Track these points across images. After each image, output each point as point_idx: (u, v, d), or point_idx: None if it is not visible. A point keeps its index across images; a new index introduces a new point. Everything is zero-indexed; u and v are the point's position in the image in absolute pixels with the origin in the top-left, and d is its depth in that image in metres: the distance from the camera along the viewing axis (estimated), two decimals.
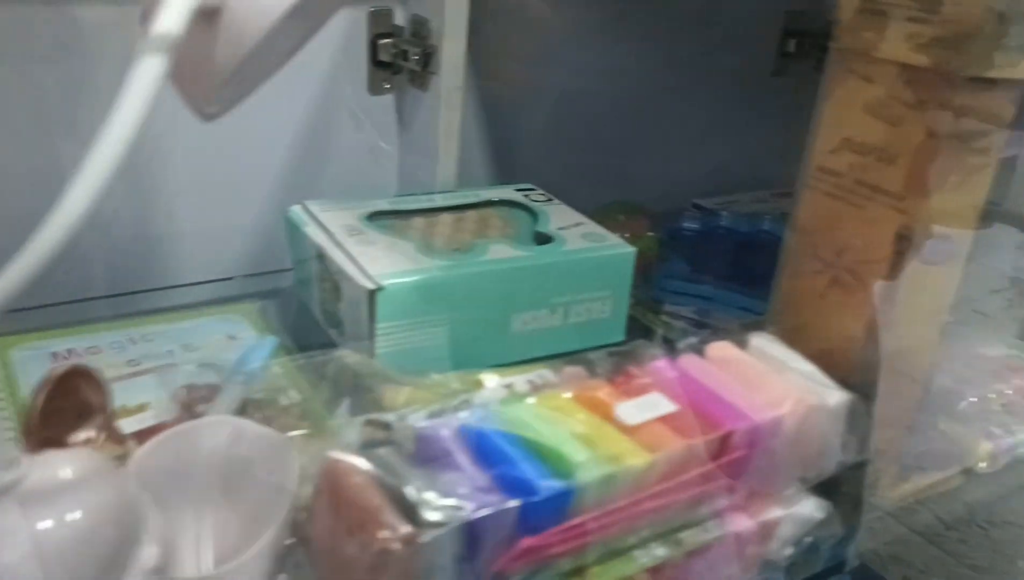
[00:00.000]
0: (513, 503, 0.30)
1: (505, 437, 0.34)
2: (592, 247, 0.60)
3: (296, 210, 0.61)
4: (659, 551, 0.37)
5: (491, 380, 0.41)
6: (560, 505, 0.32)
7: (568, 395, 0.37)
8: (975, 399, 0.52)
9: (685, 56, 0.84)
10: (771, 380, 0.40)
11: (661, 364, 0.41)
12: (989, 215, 0.83)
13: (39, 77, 0.54)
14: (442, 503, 0.30)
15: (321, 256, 0.56)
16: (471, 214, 0.65)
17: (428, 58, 0.65)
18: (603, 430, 0.35)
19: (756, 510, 0.40)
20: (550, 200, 0.67)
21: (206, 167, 0.62)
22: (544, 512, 0.31)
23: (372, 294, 0.51)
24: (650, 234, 0.73)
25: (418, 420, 0.35)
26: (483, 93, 0.74)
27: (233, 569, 0.29)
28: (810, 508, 0.42)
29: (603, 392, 0.38)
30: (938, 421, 0.52)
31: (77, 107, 0.55)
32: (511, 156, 0.78)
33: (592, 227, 0.63)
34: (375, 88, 0.69)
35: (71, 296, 0.56)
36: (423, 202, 0.64)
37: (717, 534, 0.39)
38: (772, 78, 0.93)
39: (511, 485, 0.31)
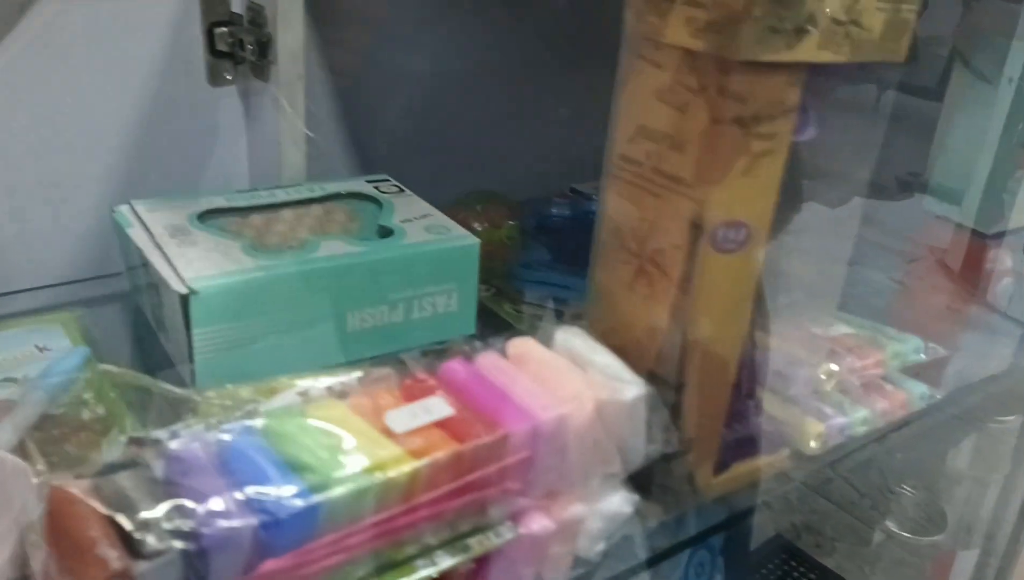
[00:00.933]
0: (246, 524, 0.29)
1: (261, 452, 0.32)
2: (433, 240, 0.58)
3: (122, 210, 0.58)
4: (444, 560, 0.36)
5: (285, 387, 0.40)
6: (306, 524, 0.30)
7: (345, 403, 0.36)
8: (806, 380, 0.52)
9: (555, 34, 0.83)
10: (565, 376, 0.39)
11: (454, 364, 0.39)
12: (909, 186, 0.83)
13: None
14: (167, 529, 0.28)
15: (145, 260, 0.54)
16: (315, 209, 0.62)
17: (265, 47, 0.63)
18: (370, 439, 0.34)
19: (557, 509, 0.39)
20: (401, 191, 0.65)
21: (18, 167, 0.59)
22: (288, 532, 0.30)
23: (185, 298, 0.49)
24: (511, 223, 0.72)
25: (190, 436, 0.34)
26: (335, 82, 0.72)
27: None
28: (617, 503, 0.42)
29: (383, 398, 0.36)
30: (766, 404, 0.52)
31: None
32: (371, 147, 0.76)
33: (438, 219, 0.61)
34: (216, 79, 0.66)
35: None
36: (264, 198, 0.62)
37: (509, 537, 0.38)
38: None
39: (254, 505, 0.30)
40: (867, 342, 0.57)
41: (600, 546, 0.42)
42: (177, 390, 0.38)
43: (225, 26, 0.65)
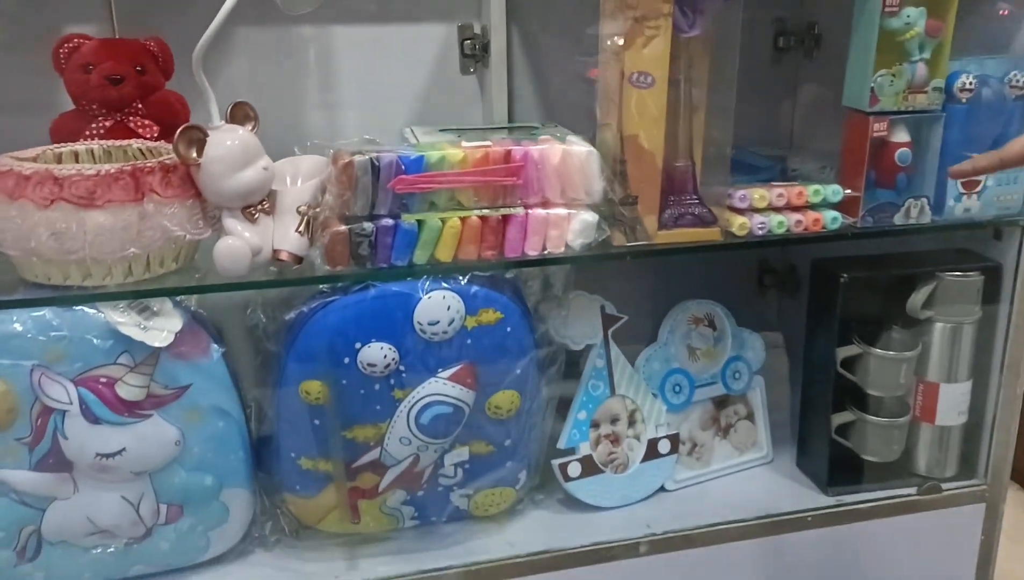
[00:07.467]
0: (395, 158, 0.78)
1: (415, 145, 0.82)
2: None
3: (404, 130, 1.12)
4: (486, 212, 0.81)
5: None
6: (418, 165, 0.78)
7: (458, 141, 0.84)
8: (743, 196, 0.89)
9: None
10: (559, 146, 0.84)
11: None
12: None
13: None
14: (370, 155, 0.78)
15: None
16: (501, 131, 1.12)
17: (486, 48, 1.15)
18: (455, 149, 0.81)
19: (550, 208, 0.83)
20: (556, 127, 1.13)
21: (359, 107, 1.17)
22: (412, 167, 0.78)
23: None
24: None
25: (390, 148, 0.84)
26: (532, 71, 1.22)
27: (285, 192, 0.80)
28: (587, 217, 0.84)
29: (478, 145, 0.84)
30: (713, 208, 0.89)
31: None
32: (556, 109, 1.24)
33: (560, 132, 1.07)
34: (465, 70, 1.20)
35: None
36: (475, 126, 1.13)
37: (521, 212, 0.82)
38: None
39: (402, 158, 0.79)
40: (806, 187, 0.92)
41: (580, 241, 0.84)
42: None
43: (471, 40, 1.18)
